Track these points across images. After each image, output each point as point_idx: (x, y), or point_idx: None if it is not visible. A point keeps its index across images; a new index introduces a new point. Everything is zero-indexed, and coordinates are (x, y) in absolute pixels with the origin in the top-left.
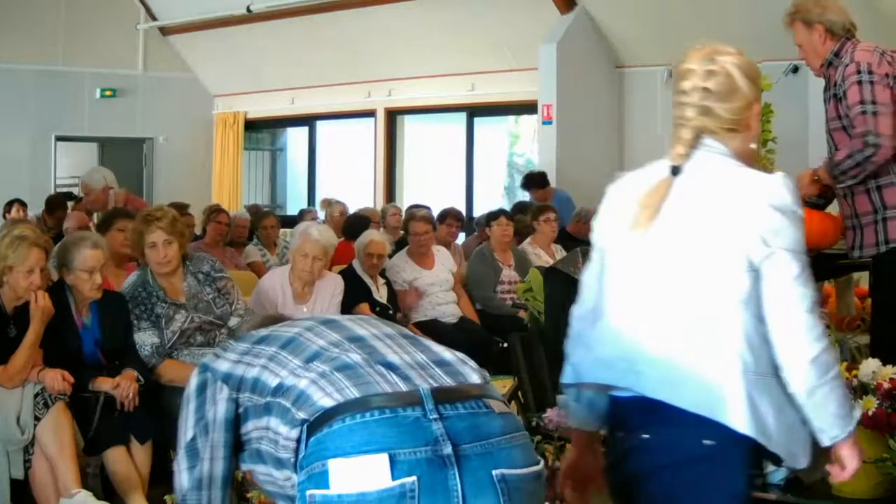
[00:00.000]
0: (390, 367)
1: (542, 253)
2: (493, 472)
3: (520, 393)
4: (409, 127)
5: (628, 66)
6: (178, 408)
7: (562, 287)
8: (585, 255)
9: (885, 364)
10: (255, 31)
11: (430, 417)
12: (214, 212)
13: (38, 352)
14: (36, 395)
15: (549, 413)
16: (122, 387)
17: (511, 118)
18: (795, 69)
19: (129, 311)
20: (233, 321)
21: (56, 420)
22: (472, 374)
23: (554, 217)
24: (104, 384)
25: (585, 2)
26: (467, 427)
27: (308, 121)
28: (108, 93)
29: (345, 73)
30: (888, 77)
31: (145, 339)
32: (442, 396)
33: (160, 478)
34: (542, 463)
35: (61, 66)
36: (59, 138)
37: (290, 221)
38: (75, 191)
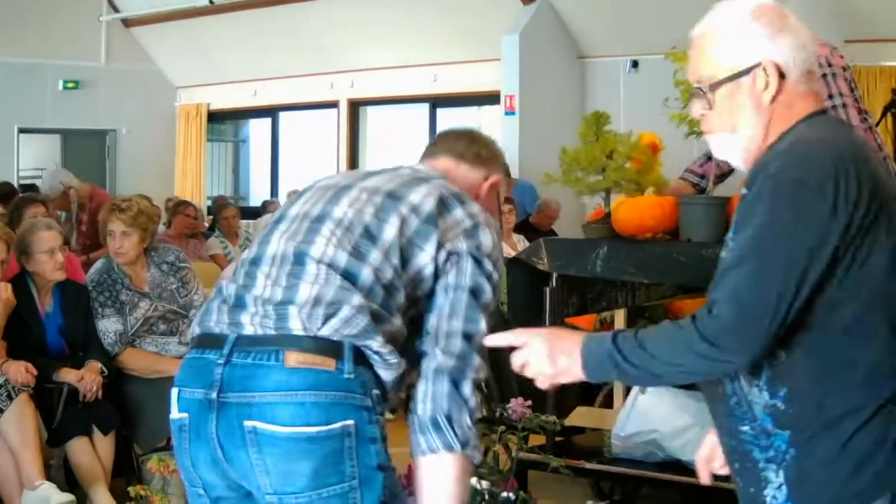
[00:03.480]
0: (239, 304)
1: (504, 244)
2: (245, 423)
3: (483, 384)
4: (372, 118)
5: (591, 56)
6: (141, 398)
7: (525, 278)
8: (549, 246)
9: None
10: (218, 22)
11: (219, 362)
12: (181, 204)
13: (1, 344)
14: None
15: (513, 404)
16: (87, 380)
17: (474, 108)
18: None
19: (92, 299)
20: (192, 312)
21: (19, 412)
22: (299, 320)
23: (510, 208)
24: (68, 376)
25: None
26: (242, 376)
27: (271, 112)
28: (70, 85)
29: (307, 64)
30: (844, 70)
31: (109, 327)
32: (243, 343)
33: (123, 469)
34: (329, 426)
35: (24, 58)
36: (21, 130)
37: (254, 213)
38: (38, 182)
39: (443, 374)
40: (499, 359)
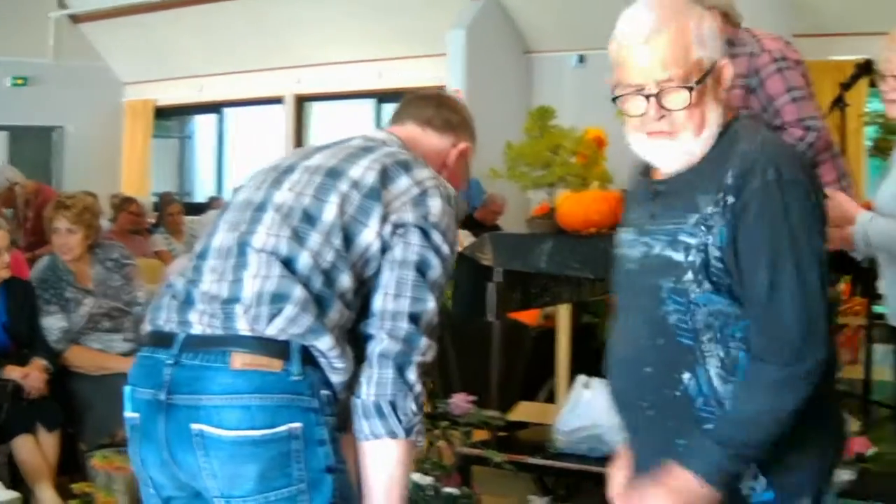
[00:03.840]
0: (187, 301)
1: None
2: (192, 426)
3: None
4: (318, 113)
5: (537, 51)
6: (86, 395)
7: (469, 273)
8: (494, 240)
9: None
10: (165, 18)
11: (168, 363)
12: (125, 201)
13: None
14: None
15: (456, 399)
16: (32, 377)
17: None
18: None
19: (36, 296)
20: (135, 309)
21: None
22: (244, 320)
23: None
24: (13, 373)
25: None
26: (190, 378)
27: (216, 108)
28: (19, 81)
29: (253, 60)
30: (799, 63)
31: (53, 324)
32: (191, 344)
33: (69, 466)
34: (275, 429)
35: None
36: None
37: (199, 209)
38: None
39: (388, 358)
40: (441, 351)
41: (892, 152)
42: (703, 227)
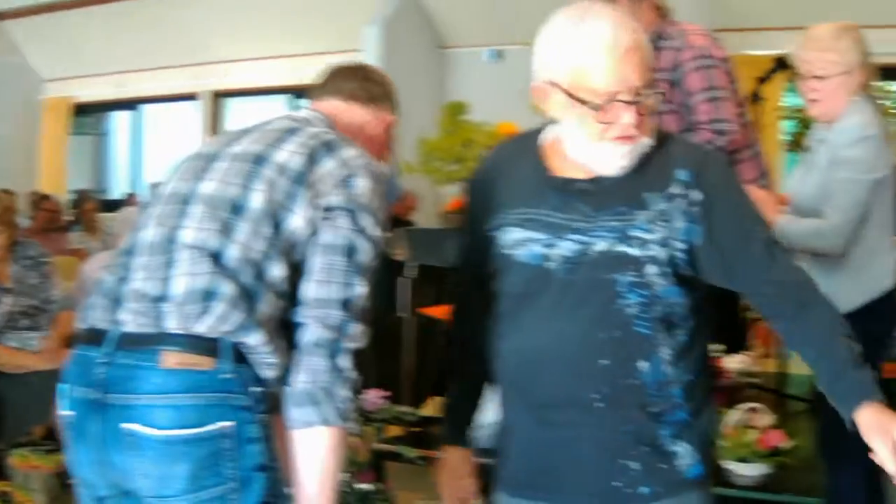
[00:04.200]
0: (119, 299)
1: None
2: (123, 426)
3: None
4: (235, 110)
5: (453, 46)
6: (3, 394)
7: (382, 269)
8: (407, 236)
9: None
10: (85, 15)
11: (101, 362)
12: (42, 198)
13: None
14: None
15: (369, 394)
16: None
17: None
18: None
19: None
20: (52, 307)
21: None
22: (175, 318)
23: None
24: None
25: None
26: (123, 377)
27: (134, 105)
28: None
29: (170, 57)
30: (723, 61)
31: None
32: (124, 342)
33: None
34: (205, 428)
35: None
36: None
37: (116, 206)
38: None
39: (319, 346)
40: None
41: (811, 148)
42: (660, 223)
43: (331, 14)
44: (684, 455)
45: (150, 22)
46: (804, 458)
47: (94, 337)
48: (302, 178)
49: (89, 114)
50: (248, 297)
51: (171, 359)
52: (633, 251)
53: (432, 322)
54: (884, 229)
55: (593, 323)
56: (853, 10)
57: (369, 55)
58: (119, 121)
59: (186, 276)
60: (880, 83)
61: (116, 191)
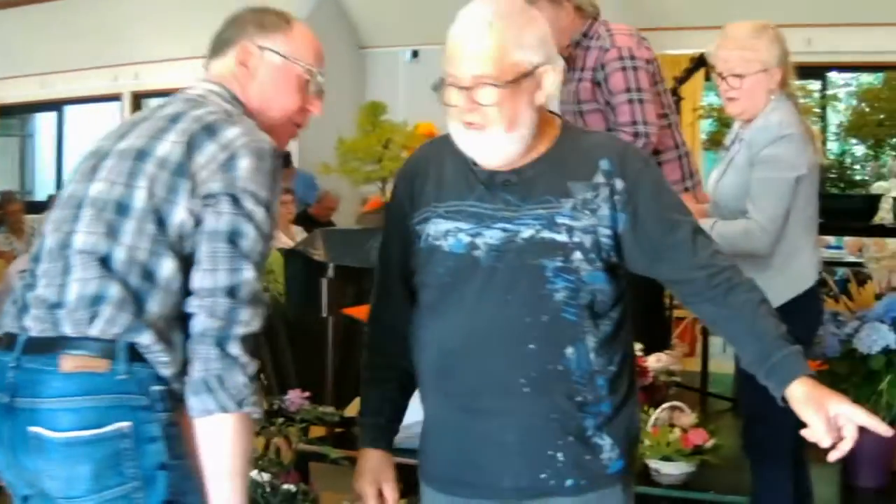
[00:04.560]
0: (25, 305)
1: (282, 235)
2: (29, 430)
3: (262, 376)
4: None
5: (371, 46)
6: None
7: (302, 269)
8: (326, 236)
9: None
10: (9, 16)
11: (11, 366)
12: None
13: None
14: None
15: (291, 395)
16: None
17: None
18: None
19: None
20: None
21: None
22: (70, 323)
23: (290, 199)
24: None
25: None
26: (28, 381)
27: (57, 105)
28: None
29: (91, 58)
30: (649, 63)
31: None
32: (30, 347)
33: None
34: (103, 429)
35: None
36: None
37: (40, 207)
38: None
39: (207, 336)
40: (276, 348)
41: (729, 146)
42: (585, 211)
43: None
44: (607, 448)
45: (73, 23)
46: (727, 456)
47: (7, 342)
48: (182, 170)
49: (13, 115)
50: (135, 298)
51: (69, 363)
52: (560, 237)
53: (354, 322)
54: (806, 227)
55: (521, 307)
56: (771, 10)
57: None
58: (43, 122)
59: (78, 282)
60: (801, 82)
61: (41, 192)
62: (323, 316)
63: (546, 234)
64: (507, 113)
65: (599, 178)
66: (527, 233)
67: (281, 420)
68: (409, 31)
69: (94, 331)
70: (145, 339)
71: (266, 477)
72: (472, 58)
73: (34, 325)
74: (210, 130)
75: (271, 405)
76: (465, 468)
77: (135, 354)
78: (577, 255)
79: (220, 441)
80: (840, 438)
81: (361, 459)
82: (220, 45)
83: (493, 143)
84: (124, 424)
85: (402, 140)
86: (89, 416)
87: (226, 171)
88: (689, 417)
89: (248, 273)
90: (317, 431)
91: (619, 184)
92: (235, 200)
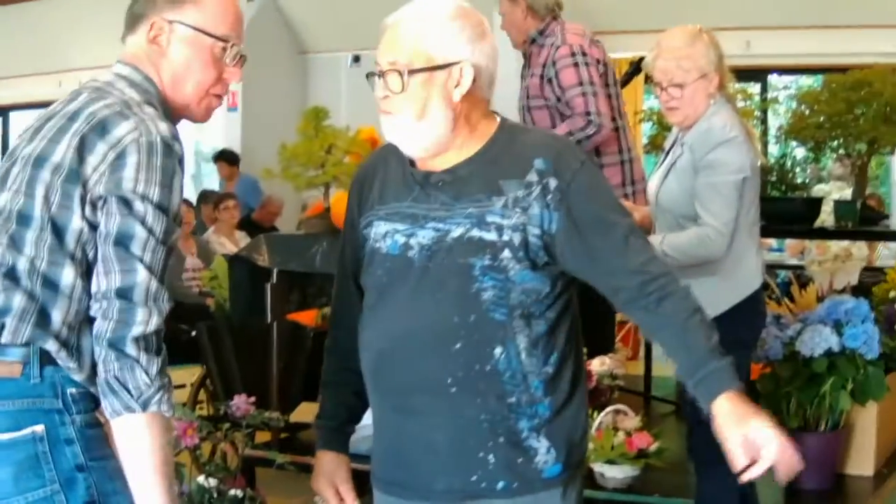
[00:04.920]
0: None
1: (226, 241)
2: None
3: (208, 381)
4: None
5: (313, 51)
6: None
7: (246, 275)
8: (269, 242)
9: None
10: None
11: None
12: None
13: None
14: None
15: (237, 401)
16: None
17: None
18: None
19: None
20: None
21: None
22: None
23: (234, 204)
24: None
25: None
26: None
27: (2, 111)
28: None
29: (35, 64)
30: (598, 62)
31: None
32: None
33: None
34: (19, 433)
35: None
36: None
37: None
38: None
39: (102, 338)
40: (221, 354)
41: (668, 150)
42: (516, 210)
43: None
44: (543, 452)
45: (17, 29)
46: (671, 459)
47: None
48: (74, 175)
49: None
50: (39, 309)
51: None
52: (489, 236)
53: (298, 327)
54: (750, 231)
55: (449, 306)
56: (711, 13)
57: None
58: None
59: (8, 290)
60: (740, 85)
61: None
62: (267, 321)
63: (475, 233)
64: (414, 102)
65: (533, 177)
66: (457, 232)
67: (227, 425)
68: (350, 36)
69: (5, 339)
70: (49, 346)
71: (213, 482)
72: (388, 45)
73: None
74: (101, 129)
75: (217, 410)
76: (401, 469)
77: (47, 358)
78: (506, 253)
79: (133, 441)
80: (756, 460)
81: (318, 461)
82: (131, 21)
83: (403, 130)
84: (38, 428)
85: (345, 145)
86: (5, 420)
87: (114, 172)
88: (632, 421)
89: (141, 273)
90: (262, 437)
91: (552, 182)
92: (123, 201)
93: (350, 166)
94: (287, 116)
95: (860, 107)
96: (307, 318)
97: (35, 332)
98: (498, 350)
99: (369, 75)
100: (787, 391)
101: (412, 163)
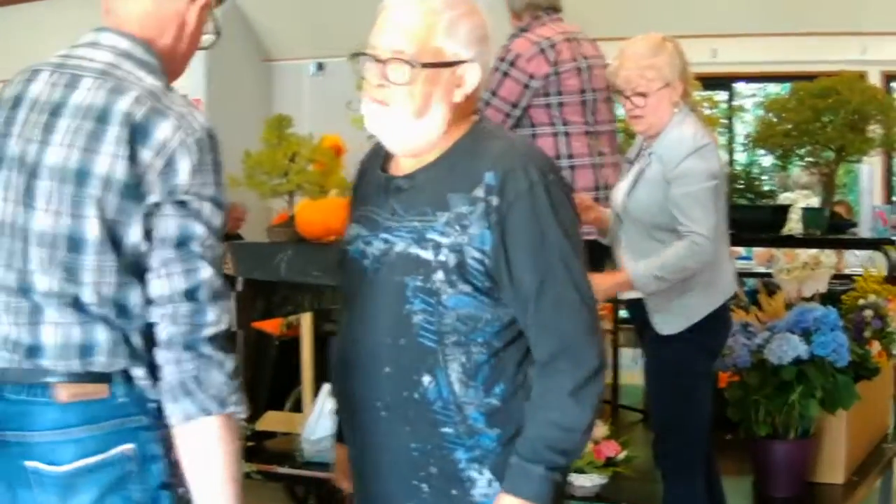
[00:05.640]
0: None
1: None
2: (27, 464)
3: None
4: None
5: (276, 59)
6: None
7: None
8: (234, 250)
9: None
10: None
11: None
12: None
13: None
14: None
15: None
16: None
17: None
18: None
19: None
20: None
21: None
22: (47, 360)
23: None
24: None
25: None
26: (16, 414)
27: None
28: None
29: (12, 71)
30: (531, 77)
31: None
32: (12, 377)
33: None
34: (107, 454)
35: None
36: None
37: None
38: None
39: (176, 343)
40: None
41: (634, 159)
42: (456, 227)
43: None
44: (483, 484)
45: (12, 30)
46: (639, 468)
47: None
48: (132, 192)
49: None
50: (124, 337)
51: (66, 392)
52: (426, 254)
53: (263, 336)
54: (724, 238)
55: (383, 327)
56: (677, 21)
57: (193, 68)
58: None
59: (58, 327)
60: (707, 93)
61: None
62: (232, 330)
63: (413, 250)
64: (416, 97)
65: (479, 192)
66: (399, 246)
67: None
68: (313, 44)
69: (94, 369)
70: (137, 373)
71: (179, 491)
72: (396, 30)
73: (10, 360)
74: (144, 132)
75: None
76: (359, 485)
77: (128, 374)
78: (439, 275)
79: (207, 447)
80: None
81: (336, 453)
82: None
83: (397, 124)
84: (128, 447)
85: (309, 153)
86: (90, 444)
87: (166, 179)
88: (600, 429)
89: (207, 271)
90: None
91: (494, 201)
92: (180, 203)
93: (314, 174)
94: (251, 123)
95: (827, 114)
96: (272, 326)
97: (128, 362)
98: (426, 378)
99: (355, 55)
100: (756, 399)
101: (386, 161)
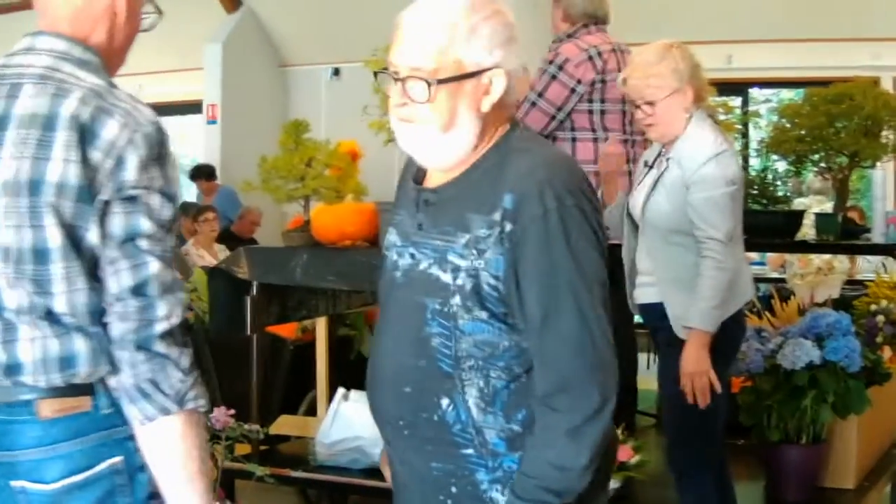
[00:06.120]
0: None
1: (206, 253)
2: (12, 484)
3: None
4: None
5: (293, 64)
6: None
7: (226, 287)
8: (249, 254)
9: None
10: None
11: None
12: None
13: None
14: None
15: (216, 413)
16: None
17: (177, 117)
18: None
19: None
20: None
21: None
22: (26, 376)
23: (213, 217)
24: None
25: (251, 1)
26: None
27: None
28: None
29: None
30: (579, 82)
31: None
32: None
33: None
34: (96, 469)
35: None
36: None
37: None
38: None
39: (128, 342)
40: (201, 366)
41: (651, 164)
42: (474, 251)
43: (172, 33)
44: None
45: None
46: (652, 472)
47: None
48: (86, 195)
49: None
50: (101, 345)
51: (49, 407)
52: (445, 277)
53: (278, 340)
54: (741, 243)
55: (406, 346)
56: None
57: (210, 74)
58: None
59: (34, 342)
60: (722, 98)
61: None
62: (247, 334)
63: (434, 271)
64: (441, 112)
65: (497, 215)
66: (424, 264)
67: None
68: (329, 49)
69: (75, 382)
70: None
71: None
72: (412, 47)
73: None
74: (91, 132)
75: None
76: (395, 494)
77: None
78: (456, 299)
79: (170, 446)
80: None
81: (382, 456)
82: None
83: (426, 141)
84: (116, 460)
85: (325, 158)
86: (78, 459)
87: (115, 178)
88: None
89: (153, 267)
90: (242, 449)
91: (508, 227)
92: (129, 199)
93: (330, 179)
94: (267, 129)
95: (841, 120)
96: (287, 330)
97: (109, 369)
98: (444, 401)
99: (378, 74)
100: (769, 404)
101: (419, 169)
